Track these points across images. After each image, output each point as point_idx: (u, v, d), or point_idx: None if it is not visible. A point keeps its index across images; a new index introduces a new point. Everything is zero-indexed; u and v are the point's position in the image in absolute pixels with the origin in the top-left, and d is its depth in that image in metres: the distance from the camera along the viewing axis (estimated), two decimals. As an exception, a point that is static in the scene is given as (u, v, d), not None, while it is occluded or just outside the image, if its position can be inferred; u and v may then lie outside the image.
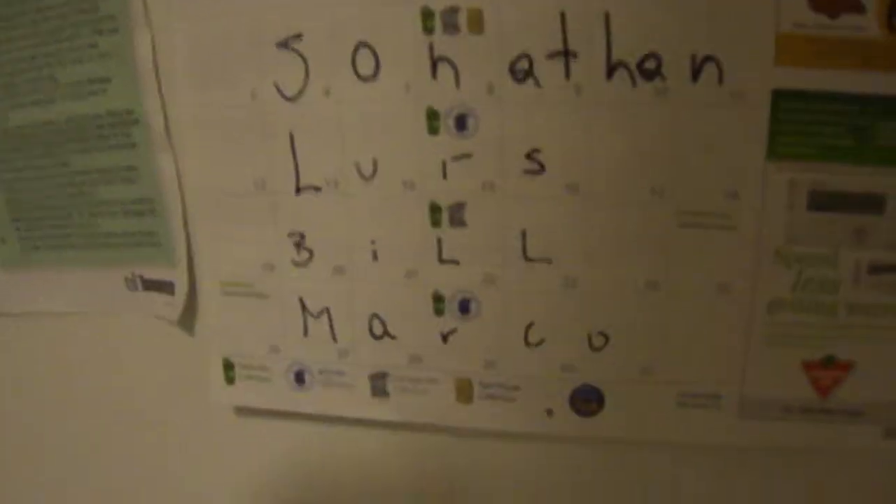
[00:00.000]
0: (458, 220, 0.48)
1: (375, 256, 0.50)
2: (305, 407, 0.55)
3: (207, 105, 0.51)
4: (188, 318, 0.57)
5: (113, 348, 0.61)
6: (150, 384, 0.61)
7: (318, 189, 0.50)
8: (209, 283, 0.55)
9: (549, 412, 0.51)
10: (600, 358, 0.49)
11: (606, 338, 0.49)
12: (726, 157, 0.45)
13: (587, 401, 0.51)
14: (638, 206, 0.46)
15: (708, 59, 0.43)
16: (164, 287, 0.58)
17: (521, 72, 0.45)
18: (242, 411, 0.57)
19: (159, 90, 0.52)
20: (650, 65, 0.43)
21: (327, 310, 0.52)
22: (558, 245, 0.48)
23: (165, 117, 0.53)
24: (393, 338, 0.52)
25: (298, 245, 0.51)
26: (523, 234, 0.48)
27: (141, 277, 0.59)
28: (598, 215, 0.47)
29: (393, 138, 0.48)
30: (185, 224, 0.55)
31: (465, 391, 0.52)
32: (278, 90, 0.49)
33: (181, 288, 0.57)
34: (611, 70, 0.44)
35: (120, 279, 0.59)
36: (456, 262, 0.49)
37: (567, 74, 0.44)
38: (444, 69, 0.46)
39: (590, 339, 0.49)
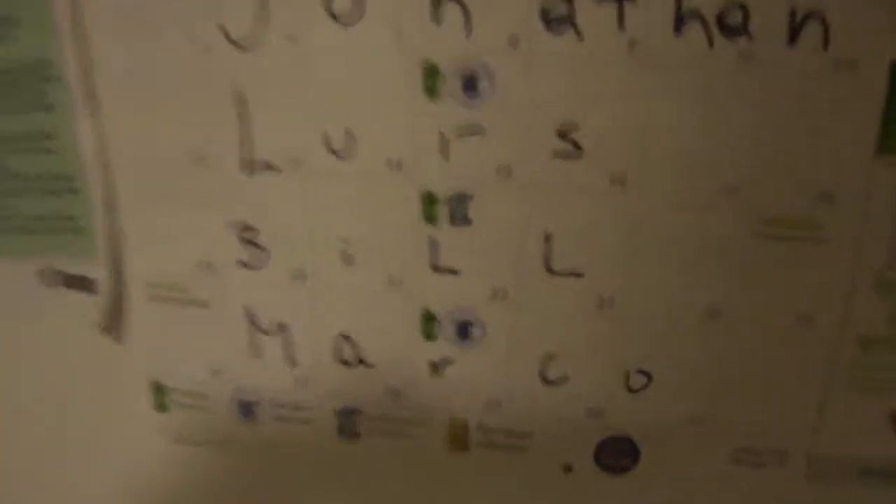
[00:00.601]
0: (460, 215, 0.36)
1: (348, 260, 0.38)
2: (255, 447, 0.43)
3: (136, 56, 0.38)
4: (118, 325, 0.45)
5: (25, 358, 0.48)
6: (72, 405, 0.48)
7: (274, 168, 0.38)
8: (137, 285, 0.43)
9: (568, 468, 0.40)
10: (638, 402, 0.38)
11: (648, 376, 0.38)
12: (823, 147, 0.33)
13: (618, 455, 0.40)
14: (703, 208, 0.35)
15: (810, 16, 0.31)
16: (86, 284, 0.45)
17: (558, 18, 0.33)
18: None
19: (79, 37, 0.39)
20: (734, 18, 0.32)
21: (283, 326, 0.40)
22: (593, 254, 0.36)
23: (87, 71, 0.40)
24: (368, 366, 0.40)
25: (247, 241, 0.39)
26: (547, 238, 0.36)
27: (58, 271, 0.46)
28: (650, 218, 0.35)
29: (376, 103, 0.35)
30: (110, 207, 0.42)
31: (459, 436, 0.40)
32: (225, 35, 0.36)
33: (106, 287, 0.44)
34: (680, 22, 0.32)
35: (32, 272, 0.47)
36: (455, 272, 0.37)
37: (620, 24, 0.32)
38: (450, 10, 0.33)
39: (627, 377, 0.38)
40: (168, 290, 0.41)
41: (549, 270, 0.37)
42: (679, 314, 0.37)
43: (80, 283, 0.45)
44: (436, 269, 0.37)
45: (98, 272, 0.44)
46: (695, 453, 0.39)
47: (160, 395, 0.43)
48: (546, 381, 0.38)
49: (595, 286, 0.37)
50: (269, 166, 0.38)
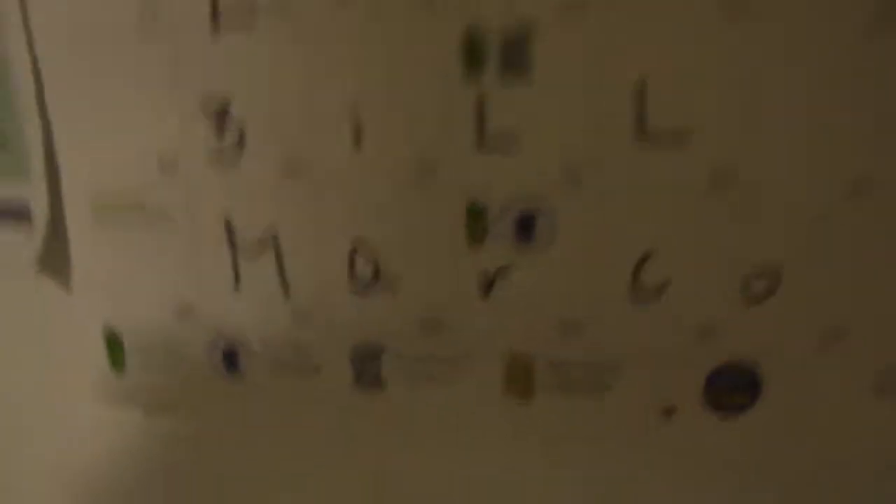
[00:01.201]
0: (515, 60, 0.26)
1: (359, 138, 0.27)
2: (245, 409, 0.32)
3: None
4: (58, 260, 0.34)
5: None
6: (5, 368, 0.37)
7: (249, 23, 0.27)
8: (79, 204, 0.32)
9: (669, 411, 0.30)
10: (759, 316, 0.28)
11: (776, 278, 0.28)
12: None
13: (733, 389, 0.29)
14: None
15: None
16: (17, 211, 0.35)
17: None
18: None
19: None
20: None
21: (274, 240, 0.29)
22: (703, 109, 0.26)
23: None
24: (392, 286, 0.29)
25: (219, 119, 0.28)
26: (639, 88, 0.26)
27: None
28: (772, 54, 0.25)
29: None
30: (42, 103, 0.32)
31: (520, 378, 0.30)
32: None
33: (41, 212, 0.34)
34: None
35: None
36: (510, 148, 0.27)
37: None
38: None
39: (746, 283, 0.28)
40: (119, 207, 0.30)
41: (642, 136, 0.26)
42: (814, 193, 0.26)
43: (9, 210, 0.34)
44: (482, 146, 0.27)
45: (30, 193, 0.34)
46: (830, 381, 0.29)
47: (116, 348, 0.32)
48: (639, 289, 0.28)
49: (706, 156, 0.26)
50: (243, 17, 0.27)
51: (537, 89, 0.26)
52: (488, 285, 0.28)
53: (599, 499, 0.30)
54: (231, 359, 0.31)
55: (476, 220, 0.28)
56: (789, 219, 0.27)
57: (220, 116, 0.28)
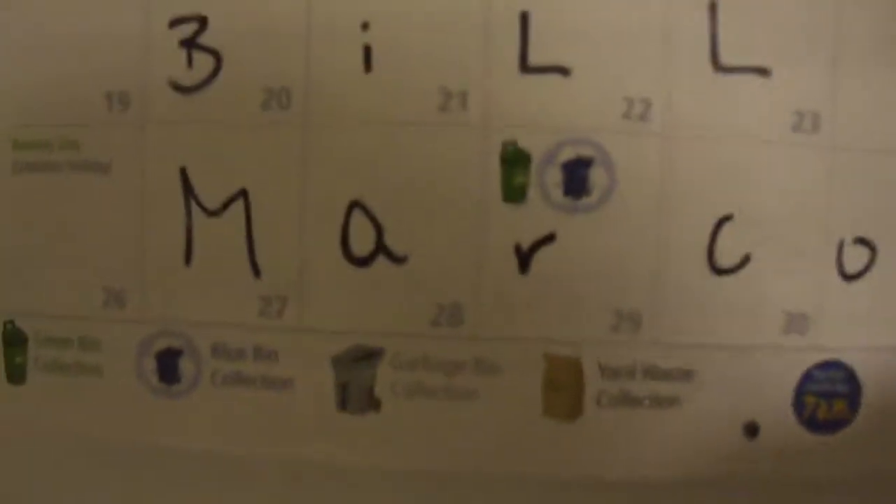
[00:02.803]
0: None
1: (369, 59, 0.22)
2: (181, 436, 0.23)
3: None
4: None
5: None
6: None
7: None
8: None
9: (751, 428, 0.22)
10: (858, 297, 0.22)
11: (872, 249, 0.22)
12: None
13: (831, 396, 0.22)
14: None
15: None
16: None
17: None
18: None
19: None
20: None
21: (242, 192, 0.22)
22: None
23: None
24: (397, 258, 0.22)
25: (188, 48, 0.22)
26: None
27: None
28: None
29: None
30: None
31: (566, 388, 0.22)
32: None
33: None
34: None
35: None
36: (563, 69, 0.21)
37: None
38: None
39: (839, 251, 0.22)
40: (41, 146, 0.23)
41: (717, 65, 0.21)
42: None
43: None
44: (527, 66, 0.21)
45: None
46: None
47: (15, 350, 0.24)
48: (717, 271, 0.22)
49: (791, 91, 0.21)
50: None
51: None
52: (526, 258, 0.22)
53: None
54: (169, 365, 0.23)
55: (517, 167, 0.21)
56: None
57: (189, 39, 0.22)
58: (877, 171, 0.22)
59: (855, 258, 0.22)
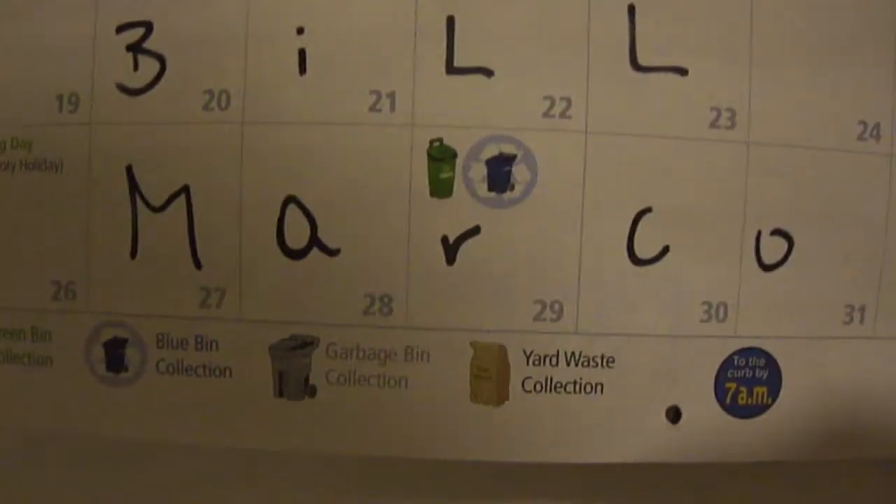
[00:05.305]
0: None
1: (303, 62, 0.23)
2: (128, 425, 0.24)
3: None
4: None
5: None
6: None
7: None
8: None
9: (673, 413, 0.23)
10: (774, 286, 0.23)
11: (788, 240, 0.23)
12: None
13: (751, 382, 0.23)
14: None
15: None
16: None
17: None
18: None
19: None
20: None
21: (185, 189, 0.23)
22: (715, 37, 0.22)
23: None
24: (330, 251, 0.23)
25: (135, 52, 0.24)
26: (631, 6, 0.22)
27: None
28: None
29: None
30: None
31: (493, 377, 0.23)
32: None
33: None
34: None
35: None
36: (485, 70, 0.22)
37: None
38: None
39: (756, 242, 0.23)
40: (4, 150, 0.24)
41: (635, 64, 0.22)
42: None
43: None
44: (453, 67, 0.22)
45: None
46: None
47: (-34, 344, 0.25)
48: (638, 261, 0.23)
49: (707, 89, 0.22)
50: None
51: None
52: (452, 251, 0.23)
53: None
54: (116, 355, 0.24)
55: (442, 164, 0.22)
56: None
57: (136, 43, 0.23)
58: (792, 166, 0.23)
59: (772, 249, 0.23)
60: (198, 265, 0.23)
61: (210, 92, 0.23)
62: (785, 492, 0.25)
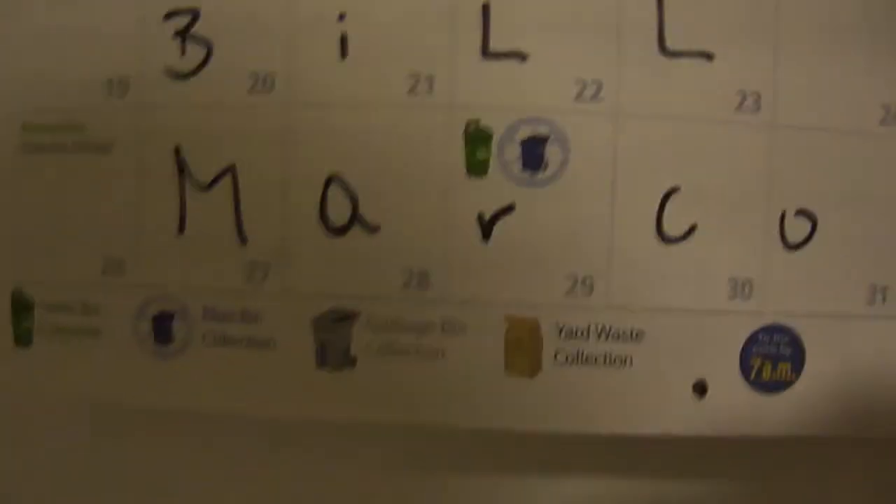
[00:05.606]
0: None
1: (344, 47, 0.24)
2: (173, 396, 0.25)
3: None
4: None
5: None
6: None
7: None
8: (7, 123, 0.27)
9: (700, 387, 0.24)
10: (799, 266, 0.24)
11: (812, 221, 0.24)
12: None
13: (776, 358, 0.24)
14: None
15: None
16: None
17: None
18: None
19: None
20: None
21: (231, 168, 0.24)
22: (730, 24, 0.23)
23: None
24: (370, 227, 0.24)
25: (182, 38, 0.25)
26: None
27: None
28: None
29: None
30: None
31: (525, 348, 0.24)
32: None
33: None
34: None
35: None
36: (520, 55, 0.23)
37: None
38: None
39: (781, 223, 0.24)
40: (54, 129, 0.25)
41: (664, 49, 0.23)
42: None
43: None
44: (488, 52, 0.23)
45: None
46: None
47: (22, 315, 0.26)
48: (666, 240, 0.24)
49: (733, 73, 0.23)
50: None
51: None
52: (488, 227, 0.24)
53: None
54: (163, 329, 0.25)
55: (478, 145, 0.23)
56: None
57: (183, 31, 0.25)
58: (815, 148, 0.24)
59: (797, 229, 0.24)
60: (243, 241, 0.24)
61: (255, 75, 0.24)
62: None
